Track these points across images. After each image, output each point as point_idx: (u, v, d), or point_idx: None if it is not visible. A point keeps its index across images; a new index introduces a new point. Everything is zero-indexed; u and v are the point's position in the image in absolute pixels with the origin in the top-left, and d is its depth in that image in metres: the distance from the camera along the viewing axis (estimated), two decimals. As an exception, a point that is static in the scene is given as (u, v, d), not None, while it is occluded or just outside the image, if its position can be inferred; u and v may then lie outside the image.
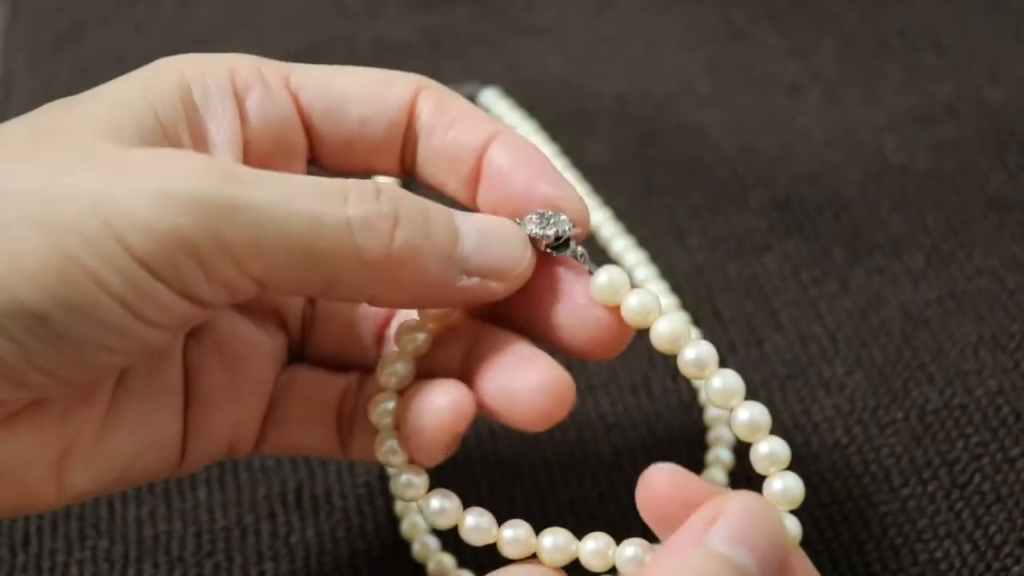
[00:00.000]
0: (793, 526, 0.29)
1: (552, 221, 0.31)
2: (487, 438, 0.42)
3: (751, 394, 0.41)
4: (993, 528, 0.38)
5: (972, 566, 0.38)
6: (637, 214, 0.48)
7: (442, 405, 0.30)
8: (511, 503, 0.40)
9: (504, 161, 0.31)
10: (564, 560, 0.30)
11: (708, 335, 0.45)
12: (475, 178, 0.32)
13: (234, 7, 0.61)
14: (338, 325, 0.34)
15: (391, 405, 0.32)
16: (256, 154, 0.31)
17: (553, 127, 0.53)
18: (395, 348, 0.33)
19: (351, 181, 0.28)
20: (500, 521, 0.31)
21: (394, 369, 0.32)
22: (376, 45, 0.59)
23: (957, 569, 0.38)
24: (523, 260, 0.30)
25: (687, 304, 0.46)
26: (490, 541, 0.31)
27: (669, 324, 0.30)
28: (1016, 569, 0.37)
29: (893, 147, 0.51)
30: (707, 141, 0.52)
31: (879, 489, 0.40)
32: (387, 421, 0.32)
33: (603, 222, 0.49)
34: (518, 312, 0.32)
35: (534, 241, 0.31)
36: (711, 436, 0.42)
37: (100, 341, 0.27)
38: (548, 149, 0.51)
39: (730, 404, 0.29)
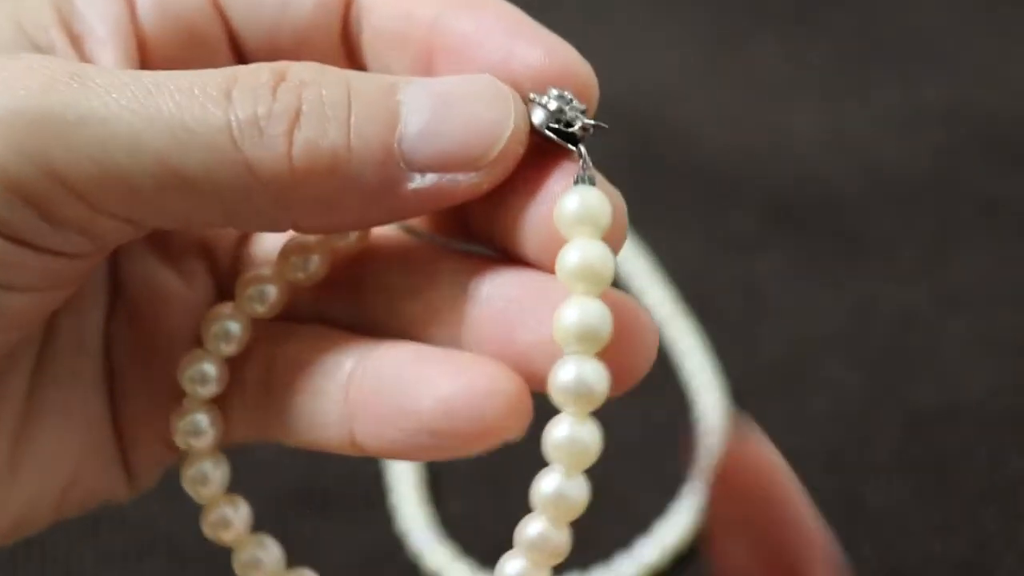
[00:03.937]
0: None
1: (563, 98, 0.23)
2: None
3: (746, 395, 0.43)
4: (989, 525, 0.39)
5: (966, 563, 0.38)
6: (631, 215, 0.44)
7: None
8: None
9: (467, 26, 0.23)
10: None
11: (702, 335, 0.45)
12: (428, 60, 0.24)
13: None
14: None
15: (203, 421, 0.25)
16: (159, 54, 0.25)
17: None
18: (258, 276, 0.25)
19: (241, 69, 0.22)
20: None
21: (223, 328, 0.25)
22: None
23: (950, 566, 0.38)
24: (502, 132, 0.22)
25: (681, 304, 0.47)
26: None
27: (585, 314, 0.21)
28: (1006, 563, 0.37)
29: (886, 149, 0.52)
30: (702, 142, 0.53)
31: (873, 488, 0.40)
32: (198, 444, 0.25)
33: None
34: (478, 216, 0.24)
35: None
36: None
37: None
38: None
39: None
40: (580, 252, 0.21)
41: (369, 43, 0.25)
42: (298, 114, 0.21)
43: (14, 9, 0.24)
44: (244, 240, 0.27)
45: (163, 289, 0.26)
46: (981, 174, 0.50)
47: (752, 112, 0.54)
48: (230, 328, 0.25)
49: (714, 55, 0.56)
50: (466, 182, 0.22)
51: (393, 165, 0.22)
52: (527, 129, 0.22)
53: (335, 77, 0.22)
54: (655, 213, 0.50)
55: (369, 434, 0.23)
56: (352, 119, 0.21)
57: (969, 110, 0.53)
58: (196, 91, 0.21)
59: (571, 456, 0.21)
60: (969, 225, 0.49)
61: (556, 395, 0.21)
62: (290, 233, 0.25)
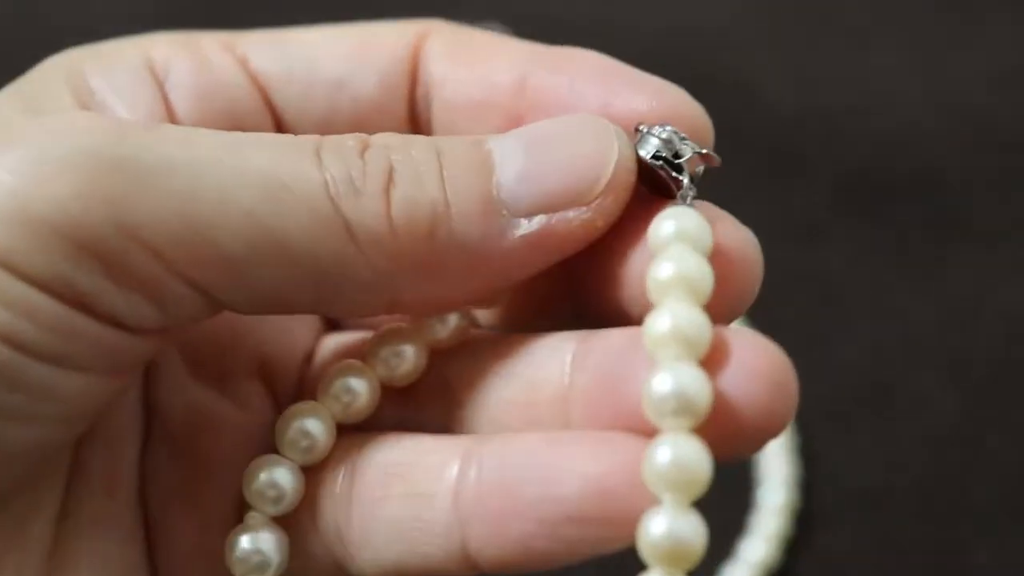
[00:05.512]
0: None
1: (673, 132, 0.23)
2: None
3: (814, 418, 0.40)
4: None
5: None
6: None
7: None
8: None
9: (559, 82, 0.24)
10: None
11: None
12: (519, 123, 0.24)
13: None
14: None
15: (268, 545, 0.24)
16: None
17: None
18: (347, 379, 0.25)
19: (321, 136, 0.23)
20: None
21: (302, 430, 0.24)
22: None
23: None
24: (608, 160, 0.22)
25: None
26: None
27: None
28: None
29: (995, 111, 0.50)
30: (759, 98, 0.50)
31: (971, 534, 0.38)
32: None
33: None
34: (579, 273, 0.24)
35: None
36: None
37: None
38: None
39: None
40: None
41: (440, 117, 0.26)
42: (391, 173, 0.22)
43: (32, 98, 0.25)
44: (310, 358, 0.27)
45: (212, 415, 0.26)
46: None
47: (824, 60, 0.52)
48: (311, 429, 0.24)
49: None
50: (578, 219, 0.22)
51: (495, 214, 0.22)
52: (634, 157, 0.23)
53: (419, 139, 0.23)
54: (702, 188, 0.47)
55: (490, 539, 0.22)
56: (445, 173, 0.22)
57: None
58: (287, 148, 0.22)
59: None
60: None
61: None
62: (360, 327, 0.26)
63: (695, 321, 0.21)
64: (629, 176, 0.22)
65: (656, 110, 0.23)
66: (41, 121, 0.22)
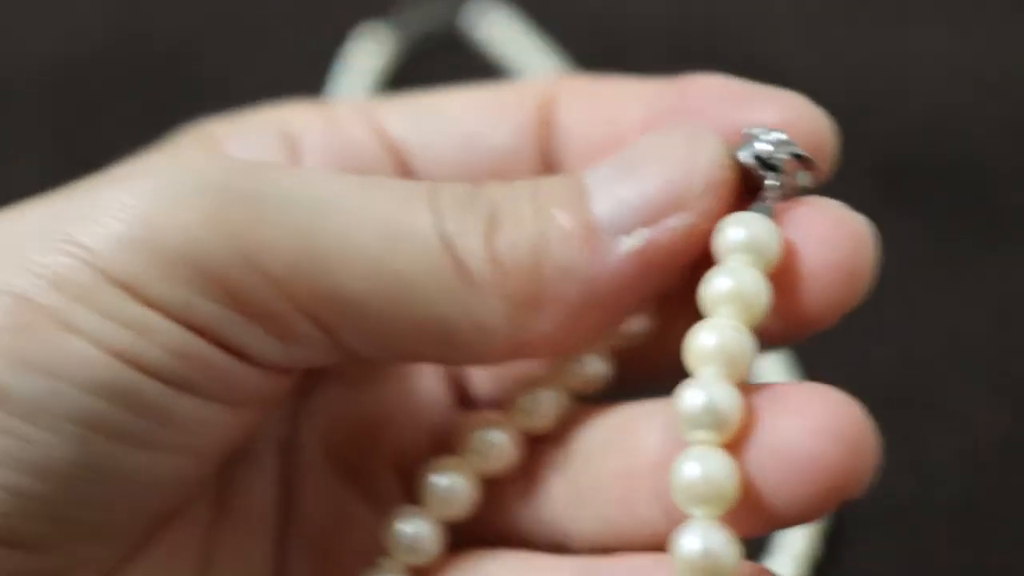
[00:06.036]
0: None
1: (783, 140, 0.24)
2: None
3: None
4: None
5: None
6: None
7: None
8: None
9: (683, 105, 0.26)
10: None
11: (789, 345, 0.39)
12: None
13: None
14: None
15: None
16: None
17: (587, 63, 0.49)
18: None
19: (431, 182, 0.24)
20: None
21: (446, 486, 0.25)
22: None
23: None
24: (702, 159, 0.23)
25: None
26: None
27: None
28: None
29: None
30: (786, 79, 0.46)
31: (1016, 559, 0.37)
32: None
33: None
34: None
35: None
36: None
37: (129, 433, 0.22)
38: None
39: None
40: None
41: (573, 161, 0.27)
42: (495, 214, 0.23)
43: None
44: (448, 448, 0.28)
45: (349, 514, 0.27)
46: None
47: (857, 35, 0.50)
48: (454, 485, 0.25)
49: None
50: (681, 225, 0.23)
51: (595, 236, 0.23)
52: (731, 158, 0.23)
53: (520, 181, 0.24)
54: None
55: None
56: (541, 207, 0.23)
57: None
58: (402, 191, 0.23)
59: (704, 573, 0.21)
60: None
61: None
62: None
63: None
64: (726, 175, 0.23)
65: (777, 122, 0.24)
66: (169, 157, 0.25)
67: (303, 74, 0.47)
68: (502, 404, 0.26)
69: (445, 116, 0.28)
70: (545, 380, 0.26)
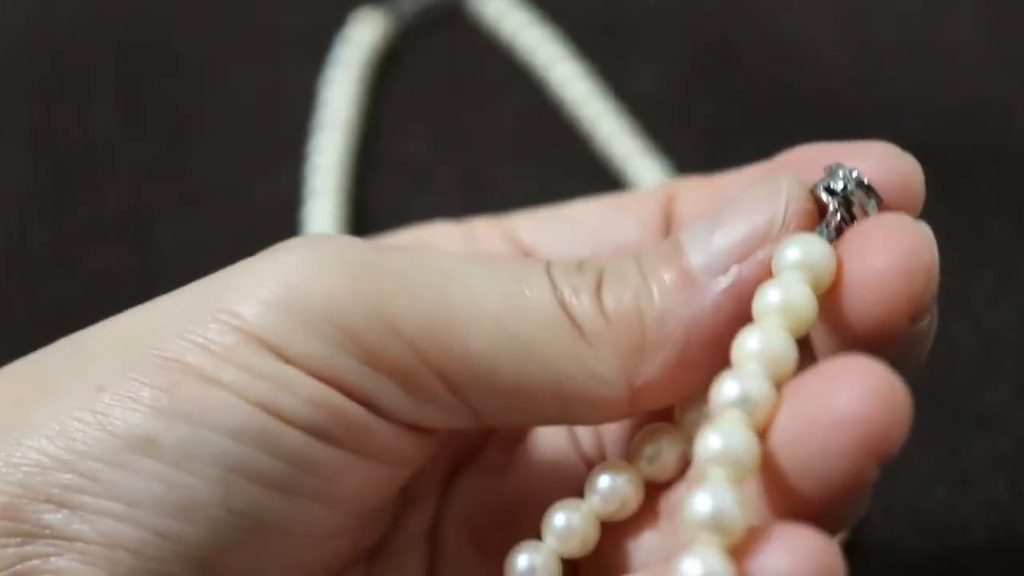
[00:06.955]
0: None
1: (860, 182, 0.26)
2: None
3: None
4: None
5: None
6: (702, 165, 0.39)
7: None
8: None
9: (783, 167, 0.28)
10: None
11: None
12: None
13: None
14: None
15: None
16: None
17: (586, 41, 0.49)
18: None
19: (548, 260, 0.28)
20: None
21: (564, 524, 0.27)
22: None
23: None
24: (781, 196, 0.26)
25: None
26: None
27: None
28: None
29: None
30: (807, 60, 0.48)
31: None
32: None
33: (654, 178, 0.46)
34: None
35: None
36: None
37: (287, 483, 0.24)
38: (577, 72, 0.47)
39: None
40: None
41: None
42: (602, 277, 0.26)
43: None
44: None
45: None
46: None
47: (884, 15, 0.50)
48: (571, 522, 0.27)
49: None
50: (768, 256, 0.25)
51: (691, 282, 0.25)
52: (806, 190, 0.26)
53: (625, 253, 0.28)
54: (736, 160, 0.38)
55: None
56: (641, 265, 0.26)
57: None
58: (523, 264, 0.26)
59: None
60: None
61: None
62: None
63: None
64: (804, 207, 0.25)
65: (868, 169, 0.26)
66: (308, 236, 0.28)
67: (297, 56, 0.47)
68: (630, 459, 0.28)
69: (573, 220, 0.30)
70: (666, 431, 0.27)
